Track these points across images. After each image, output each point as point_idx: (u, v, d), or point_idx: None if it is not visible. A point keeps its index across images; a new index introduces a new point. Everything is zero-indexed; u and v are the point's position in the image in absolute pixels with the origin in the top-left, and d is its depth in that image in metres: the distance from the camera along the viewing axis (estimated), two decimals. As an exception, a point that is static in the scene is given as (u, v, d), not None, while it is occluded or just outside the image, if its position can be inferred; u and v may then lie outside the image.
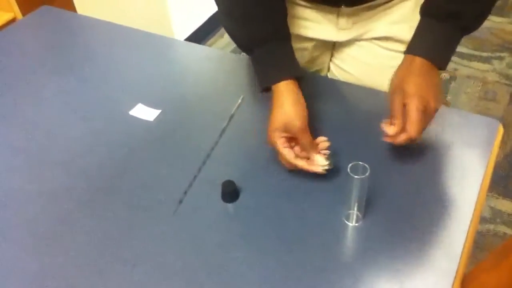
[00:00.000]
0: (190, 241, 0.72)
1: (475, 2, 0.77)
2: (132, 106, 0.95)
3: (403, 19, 0.95)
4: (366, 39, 0.99)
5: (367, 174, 0.65)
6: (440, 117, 0.89)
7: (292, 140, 0.78)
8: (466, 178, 0.79)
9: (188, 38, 2.48)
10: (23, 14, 2.28)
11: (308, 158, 0.77)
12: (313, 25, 0.98)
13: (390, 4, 0.94)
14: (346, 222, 0.73)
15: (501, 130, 0.86)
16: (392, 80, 0.80)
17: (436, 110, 0.76)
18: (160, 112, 0.94)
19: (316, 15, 0.97)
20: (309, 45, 1.02)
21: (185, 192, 0.78)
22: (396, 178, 0.79)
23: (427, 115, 0.75)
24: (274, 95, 0.79)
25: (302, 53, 1.04)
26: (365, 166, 0.66)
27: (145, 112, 0.93)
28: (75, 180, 0.82)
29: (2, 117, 0.96)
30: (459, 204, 0.75)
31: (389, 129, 0.74)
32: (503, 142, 1.99)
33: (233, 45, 2.61)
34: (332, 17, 0.96)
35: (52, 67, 1.09)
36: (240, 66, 1.08)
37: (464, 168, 0.80)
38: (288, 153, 0.76)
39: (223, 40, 2.65)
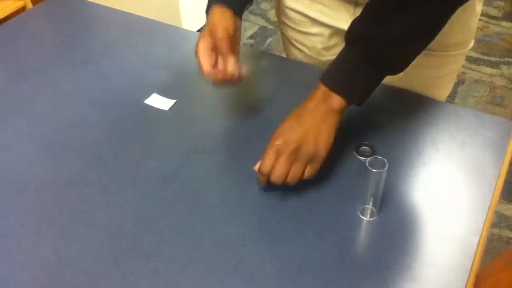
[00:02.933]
0: (207, 233, 0.72)
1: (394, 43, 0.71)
2: (147, 95, 0.95)
3: None
4: None
5: (385, 168, 0.65)
6: (455, 116, 0.90)
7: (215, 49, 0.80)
8: (481, 177, 0.79)
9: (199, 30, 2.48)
10: (33, 3, 2.28)
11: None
12: (330, 12, 0.98)
13: None
14: (361, 216, 0.73)
15: (516, 131, 0.86)
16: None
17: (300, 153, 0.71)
18: (175, 102, 0.94)
19: (334, 1, 0.96)
20: (325, 31, 1.02)
21: (206, 182, 0.78)
22: (411, 174, 0.79)
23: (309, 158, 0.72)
24: (209, 16, 0.83)
25: (318, 39, 1.04)
26: (383, 160, 0.66)
27: (160, 102, 0.93)
28: (92, 168, 0.82)
29: (17, 106, 0.95)
30: (474, 202, 0.75)
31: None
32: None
33: (240, 42, 2.62)
34: (349, 6, 0.95)
35: (66, 56, 1.08)
36: (251, 56, 1.08)
37: (478, 167, 0.80)
38: (203, 57, 0.79)
39: (231, 36, 2.65)
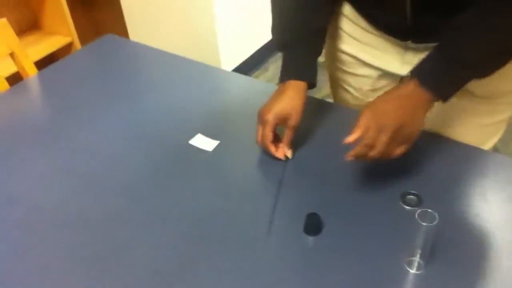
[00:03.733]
0: (247, 275, 0.71)
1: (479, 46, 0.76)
2: (189, 135, 0.97)
3: None
4: None
5: (435, 222, 0.64)
6: (504, 166, 0.88)
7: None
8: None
9: (234, 70, 2.52)
10: (80, 39, 2.39)
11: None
12: (379, 54, 0.99)
13: None
14: (408, 269, 0.71)
15: None
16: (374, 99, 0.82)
17: (398, 133, 0.76)
18: (219, 143, 0.95)
19: (385, 44, 0.97)
20: (373, 73, 1.03)
21: (270, 222, 0.78)
22: (459, 226, 0.77)
23: (384, 136, 0.75)
24: (285, 88, 0.88)
25: (366, 80, 1.05)
26: (433, 214, 0.65)
27: (204, 142, 0.95)
28: (133, 206, 0.84)
29: (64, 140, 0.99)
30: (526, 259, 0.72)
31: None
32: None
33: (276, 79, 2.65)
34: (399, 49, 0.95)
35: (114, 94, 1.12)
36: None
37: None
38: (269, 137, 0.87)
39: (268, 74, 2.69)
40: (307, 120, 1.01)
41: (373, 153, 0.76)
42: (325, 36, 0.95)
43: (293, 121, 0.86)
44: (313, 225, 0.76)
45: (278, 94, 0.88)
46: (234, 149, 0.95)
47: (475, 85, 0.89)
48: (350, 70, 1.07)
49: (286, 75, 0.90)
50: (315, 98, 1.09)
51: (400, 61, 0.97)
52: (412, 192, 0.82)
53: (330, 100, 1.22)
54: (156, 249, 0.76)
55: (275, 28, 0.95)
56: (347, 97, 1.12)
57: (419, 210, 0.65)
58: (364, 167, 0.88)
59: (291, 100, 0.87)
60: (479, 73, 0.80)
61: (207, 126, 0.99)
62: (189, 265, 0.73)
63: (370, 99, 1.07)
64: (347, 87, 1.11)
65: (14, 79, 1.40)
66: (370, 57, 1.01)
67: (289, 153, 0.89)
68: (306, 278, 0.71)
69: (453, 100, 0.91)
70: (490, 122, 0.99)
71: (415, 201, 0.80)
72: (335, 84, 1.15)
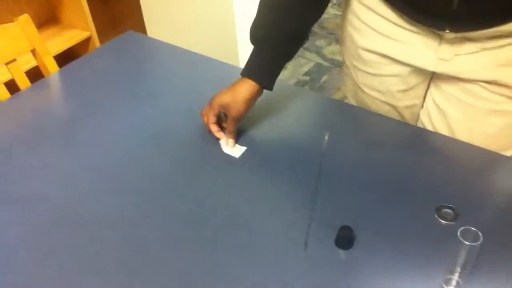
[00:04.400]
0: (298, 286, 0.69)
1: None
2: (213, 137, 0.94)
3: (509, 62, 0.87)
4: (469, 80, 0.91)
5: (479, 242, 0.61)
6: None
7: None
8: None
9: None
10: (98, 33, 2.37)
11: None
12: (411, 50, 0.93)
13: (499, 43, 0.85)
14: (446, 287, 0.68)
15: None
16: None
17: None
18: (246, 149, 0.92)
19: (416, 39, 0.91)
20: (404, 70, 0.97)
21: (307, 234, 0.76)
22: (499, 243, 0.74)
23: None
24: (240, 81, 0.92)
25: (395, 80, 1.00)
26: (477, 232, 0.61)
27: (231, 148, 0.92)
28: (157, 210, 0.81)
29: (86, 138, 0.97)
30: None
31: None
32: None
33: (295, 78, 2.63)
34: (433, 43, 0.90)
35: (134, 92, 1.10)
36: (323, 105, 1.06)
37: None
38: (212, 119, 0.94)
39: (286, 72, 2.66)
40: (338, 127, 0.98)
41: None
42: (300, 43, 0.94)
43: (233, 112, 0.91)
44: (344, 239, 0.73)
45: (232, 85, 0.93)
46: (262, 155, 0.92)
47: (497, 74, 0.87)
48: (376, 71, 1.01)
49: (246, 71, 0.92)
50: (345, 103, 1.06)
51: (434, 56, 0.91)
52: (448, 205, 0.78)
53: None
54: (183, 256, 0.74)
55: (253, 22, 0.93)
56: (369, 101, 1.07)
57: (462, 228, 0.62)
58: (398, 179, 0.85)
59: (237, 94, 0.91)
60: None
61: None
62: (219, 274, 0.71)
63: (399, 103, 1.03)
64: (369, 91, 1.05)
65: (34, 73, 1.38)
66: (400, 53, 0.95)
67: (230, 143, 0.93)
68: (338, 294, 0.68)
69: (481, 93, 0.90)
70: None
71: (451, 215, 0.77)
72: (357, 89, 1.09)
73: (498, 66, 0.87)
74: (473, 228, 0.62)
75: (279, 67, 0.94)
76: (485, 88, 0.90)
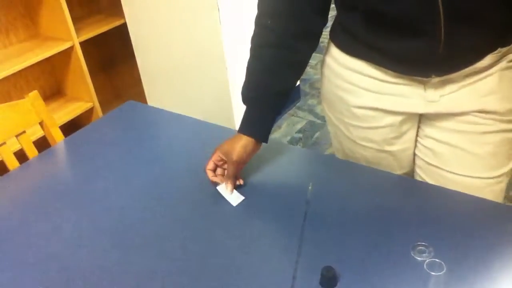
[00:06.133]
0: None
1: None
2: (211, 195, 1.02)
3: (490, 92, 0.97)
4: (459, 113, 1.00)
5: (443, 272, 0.68)
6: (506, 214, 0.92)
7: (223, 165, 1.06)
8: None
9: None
10: (100, 104, 2.51)
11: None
12: (400, 100, 1.02)
13: (474, 78, 0.96)
14: (421, 318, 0.74)
15: None
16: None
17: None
18: (244, 200, 1.01)
19: (403, 89, 1.00)
20: (396, 119, 1.06)
21: (294, 278, 0.82)
22: (470, 279, 0.80)
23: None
24: (237, 135, 1.04)
25: (389, 129, 1.08)
26: (441, 263, 0.68)
27: (229, 194, 1.02)
28: (162, 263, 0.88)
29: (92, 204, 1.05)
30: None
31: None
32: None
33: (289, 136, 2.74)
34: (419, 90, 0.99)
35: (139, 158, 1.19)
36: (310, 159, 1.15)
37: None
38: (210, 165, 1.05)
39: (281, 130, 2.77)
40: (324, 177, 1.07)
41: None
42: (286, 98, 1.06)
43: (233, 156, 1.01)
44: (328, 278, 0.79)
45: (230, 138, 1.05)
46: (257, 205, 1.00)
47: (481, 104, 0.98)
48: (369, 124, 1.09)
49: (242, 129, 1.04)
50: (331, 157, 1.14)
51: (423, 101, 1.00)
52: (423, 243, 0.85)
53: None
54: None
55: (243, 84, 1.05)
56: (365, 152, 1.14)
57: (428, 260, 0.69)
58: (377, 222, 0.92)
59: (235, 142, 1.02)
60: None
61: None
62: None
63: (391, 148, 1.11)
64: (365, 143, 1.13)
65: (41, 142, 1.49)
66: (390, 105, 1.04)
67: (228, 187, 1.03)
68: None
69: (471, 119, 1.01)
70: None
71: (425, 252, 0.84)
72: (351, 143, 1.16)
73: (481, 97, 0.98)
74: (437, 260, 0.69)
75: (271, 120, 1.05)
76: (475, 116, 1.00)
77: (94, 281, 0.86)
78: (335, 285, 0.80)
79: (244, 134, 1.03)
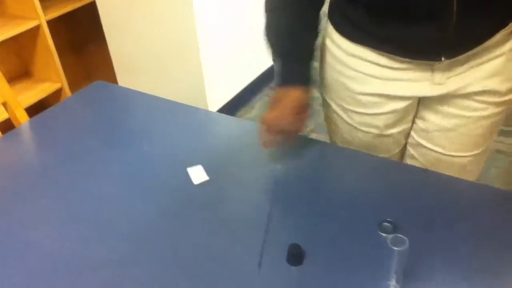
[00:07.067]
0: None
1: None
2: (182, 176, 1.02)
3: (496, 73, 0.98)
4: (461, 95, 1.01)
5: (405, 247, 0.69)
6: (479, 194, 0.94)
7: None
8: (498, 253, 0.81)
9: (221, 109, 2.60)
10: (69, 85, 2.46)
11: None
12: (407, 84, 1.01)
13: (482, 59, 0.96)
14: (385, 293, 0.75)
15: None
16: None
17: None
18: (208, 180, 1.00)
19: (410, 74, 1.00)
20: (401, 104, 1.05)
21: (261, 256, 0.82)
22: (434, 251, 0.82)
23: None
24: (286, 95, 0.98)
25: (392, 114, 1.07)
26: (404, 239, 0.70)
27: (198, 175, 1.01)
28: (139, 249, 0.87)
29: (65, 187, 1.03)
30: (493, 277, 0.77)
31: None
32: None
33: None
34: (426, 74, 0.98)
35: (106, 140, 1.17)
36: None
37: (495, 241, 0.83)
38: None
39: (254, 111, 2.77)
40: (294, 157, 1.07)
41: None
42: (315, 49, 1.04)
43: (294, 125, 1.00)
44: (294, 256, 0.80)
45: (277, 100, 0.99)
46: (222, 185, 1.00)
47: (486, 85, 0.99)
48: (373, 111, 1.08)
49: (285, 81, 1.00)
50: (302, 138, 1.15)
51: (430, 84, 1.00)
52: (388, 220, 0.87)
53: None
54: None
55: (272, 44, 1.03)
56: (365, 137, 1.13)
57: (391, 236, 0.70)
58: (344, 201, 0.94)
59: (287, 103, 0.98)
60: None
61: (196, 164, 1.04)
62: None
63: (395, 129, 1.09)
64: (366, 128, 1.11)
65: (5, 125, 1.45)
66: (397, 90, 1.03)
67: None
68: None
69: (471, 104, 1.02)
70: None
71: (390, 228, 0.85)
72: (350, 128, 1.14)
73: (486, 78, 0.98)
74: (400, 235, 0.70)
75: (309, 68, 1.03)
76: (475, 100, 1.01)
77: (69, 268, 0.84)
78: (301, 262, 0.81)
79: (293, 84, 0.99)
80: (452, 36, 0.91)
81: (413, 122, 1.12)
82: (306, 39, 1.02)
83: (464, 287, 0.76)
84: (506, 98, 1.02)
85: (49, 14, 2.28)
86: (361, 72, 1.04)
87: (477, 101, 1.02)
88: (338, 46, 1.06)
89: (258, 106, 2.81)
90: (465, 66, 0.98)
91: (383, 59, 1.00)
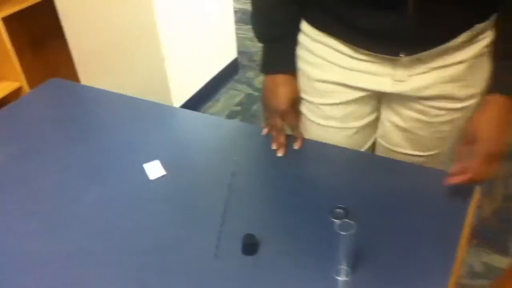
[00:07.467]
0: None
1: None
2: (137, 171, 1.02)
3: (457, 78, 0.98)
4: (420, 98, 1.01)
5: (353, 231, 0.72)
6: (422, 176, 0.98)
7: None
8: (447, 234, 0.85)
9: (186, 103, 2.59)
10: (29, 83, 2.41)
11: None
12: (368, 77, 1.01)
13: (445, 62, 0.96)
14: (336, 277, 0.78)
15: (478, 188, 0.93)
16: (468, 122, 0.94)
17: (501, 151, 0.88)
18: (165, 174, 1.01)
19: (372, 67, 0.99)
20: (360, 94, 1.05)
21: (217, 247, 0.84)
22: (382, 234, 0.85)
23: (494, 157, 0.88)
24: (275, 84, 1.06)
25: (352, 105, 1.07)
26: (351, 223, 0.72)
27: (154, 170, 1.02)
28: (92, 242, 0.87)
29: (20, 183, 1.02)
30: (441, 257, 0.80)
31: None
32: (491, 198, 2.05)
33: (228, 110, 2.74)
34: (388, 69, 0.98)
35: (65, 136, 1.16)
36: (234, 132, 1.17)
37: (444, 224, 0.87)
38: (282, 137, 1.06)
39: (219, 105, 2.77)
40: (251, 149, 1.09)
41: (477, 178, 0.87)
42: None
43: (290, 113, 1.07)
44: (249, 246, 0.82)
45: (272, 89, 1.07)
46: (181, 180, 1.00)
47: (444, 89, 1.00)
48: (332, 101, 1.08)
49: (272, 67, 1.07)
50: (256, 127, 1.17)
51: (391, 80, 1.00)
52: (340, 206, 0.89)
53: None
54: (102, 282, 0.80)
55: (259, 24, 1.07)
56: (326, 134, 1.12)
57: (339, 221, 0.72)
58: (298, 190, 0.96)
59: (277, 92, 1.06)
60: None
61: (154, 158, 1.05)
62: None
63: (357, 124, 1.10)
64: (326, 122, 1.11)
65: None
66: (357, 81, 1.03)
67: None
68: (245, 294, 0.77)
69: (428, 110, 1.04)
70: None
71: (342, 214, 0.88)
72: (304, 121, 1.15)
73: (446, 83, 0.98)
74: (347, 220, 0.72)
75: (293, 52, 1.09)
76: (433, 106, 1.02)
77: (22, 262, 0.84)
78: (256, 252, 0.82)
79: (279, 73, 1.06)
80: (411, 30, 0.90)
81: (374, 120, 1.13)
82: (291, 25, 1.06)
83: (415, 268, 0.79)
84: (465, 104, 1.02)
85: (4, 11, 2.22)
86: (325, 59, 1.04)
87: (436, 107, 1.02)
88: (308, 36, 1.06)
89: (223, 100, 2.81)
90: (427, 66, 0.97)
91: (347, 49, 1.00)
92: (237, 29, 2.89)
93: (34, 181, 1.02)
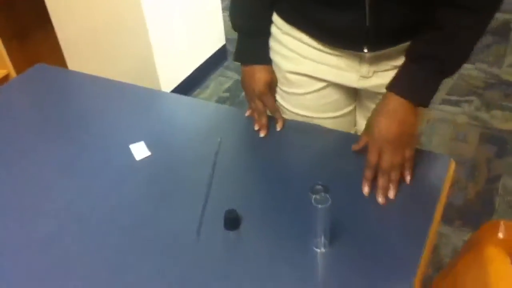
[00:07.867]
0: (192, 271, 0.79)
1: (453, 48, 0.89)
2: (124, 157, 1.04)
3: None
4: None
5: (328, 204, 0.74)
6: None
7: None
8: (421, 209, 0.88)
9: (175, 89, 2.60)
10: (16, 71, 2.40)
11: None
12: (335, 70, 1.05)
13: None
14: (315, 249, 0.81)
15: (452, 165, 0.96)
16: (368, 119, 0.95)
17: (403, 154, 0.91)
18: (150, 155, 1.03)
19: (339, 61, 1.03)
20: (329, 85, 1.08)
21: (200, 224, 0.86)
22: (358, 206, 0.88)
23: (396, 158, 0.90)
24: (252, 76, 1.09)
25: (323, 94, 1.10)
26: (327, 197, 0.75)
27: (140, 151, 1.04)
28: (81, 224, 0.90)
29: (3, 170, 1.04)
30: (415, 231, 0.84)
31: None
32: (475, 180, 2.09)
33: (216, 96, 2.75)
34: (354, 64, 1.02)
35: (52, 122, 1.18)
36: (219, 115, 1.19)
37: (419, 200, 0.90)
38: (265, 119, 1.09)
39: (209, 91, 2.79)
40: (234, 131, 1.11)
41: (383, 171, 0.90)
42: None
43: (270, 97, 1.10)
44: (231, 220, 0.85)
45: (249, 76, 1.10)
46: (166, 160, 1.03)
47: None
48: (303, 90, 1.10)
49: (246, 59, 1.10)
50: (239, 111, 1.19)
51: (356, 74, 1.04)
52: (319, 183, 0.92)
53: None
54: (88, 263, 0.83)
55: (233, 14, 1.09)
56: (295, 118, 1.14)
57: (315, 196, 0.75)
58: (279, 168, 0.99)
59: (255, 79, 1.09)
60: (450, 73, 0.93)
61: (139, 140, 1.07)
62: (121, 274, 0.80)
63: (332, 114, 1.13)
64: (299, 111, 1.13)
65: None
66: (325, 74, 1.06)
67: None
68: (229, 271, 0.80)
69: None
70: None
71: (321, 191, 0.90)
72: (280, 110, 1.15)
73: None
74: (323, 194, 0.75)
75: (267, 45, 1.12)
76: None
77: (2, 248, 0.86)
78: (238, 226, 0.85)
79: (255, 64, 1.09)
80: (368, 28, 0.93)
81: (351, 111, 1.16)
82: (268, 18, 1.08)
83: (391, 241, 0.83)
84: None
85: (-11, -2, 2.21)
86: (295, 52, 1.07)
87: None
88: (280, 29, 1.08)
89: (212, 86, 2.83)
90: (391, 64, 1.00)
91: (315, 43, 1.03)
92: (224, 16, 2.89)
93: (19, 163, 1.04)
